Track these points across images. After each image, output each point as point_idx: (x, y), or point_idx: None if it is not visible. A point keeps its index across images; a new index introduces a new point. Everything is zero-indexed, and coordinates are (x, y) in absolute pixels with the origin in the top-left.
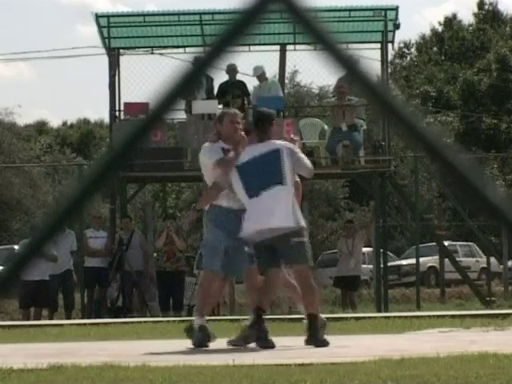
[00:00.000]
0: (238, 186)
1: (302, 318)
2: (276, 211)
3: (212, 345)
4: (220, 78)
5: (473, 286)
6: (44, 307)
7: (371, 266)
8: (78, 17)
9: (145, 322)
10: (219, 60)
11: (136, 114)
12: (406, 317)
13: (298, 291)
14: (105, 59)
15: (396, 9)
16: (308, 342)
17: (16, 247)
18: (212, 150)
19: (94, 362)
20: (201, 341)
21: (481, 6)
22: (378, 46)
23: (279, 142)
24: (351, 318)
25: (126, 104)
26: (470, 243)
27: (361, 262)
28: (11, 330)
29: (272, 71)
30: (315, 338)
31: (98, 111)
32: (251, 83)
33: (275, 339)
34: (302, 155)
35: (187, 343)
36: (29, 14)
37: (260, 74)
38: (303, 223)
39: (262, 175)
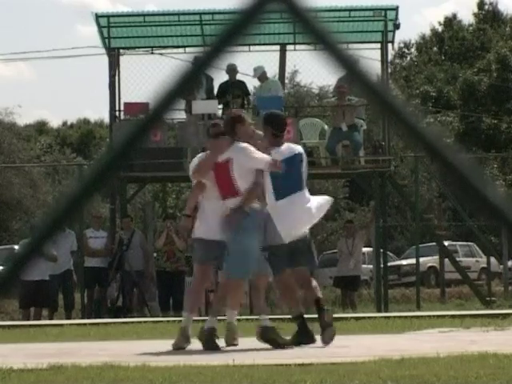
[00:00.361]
0: (268, 187)
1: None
2: (299, 215)
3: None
4: (220, 78)
5: (473, 286)
6: (44, 307)
7: (371, 266)
8: (78, 17)
9: (145, 321)
10: (219, 60)
11: (136, 114)
12: (406, 317)
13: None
14: (105, 59)
15: (396, 9)
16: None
17: (16, 247)
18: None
19: (93, 361)
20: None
21: (481, 6)
22: (378, 45)
23: (299, 146)
24: (351, 317)
25: (125, 104)
26: (470, 243)
27: (361, 262)
28: (11, 330)
29: (272, 71)
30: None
31: (98, 111)
32: (251, 83)
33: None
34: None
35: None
36: (29, 14)
37: (260, 75)
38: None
39: (289, 179)
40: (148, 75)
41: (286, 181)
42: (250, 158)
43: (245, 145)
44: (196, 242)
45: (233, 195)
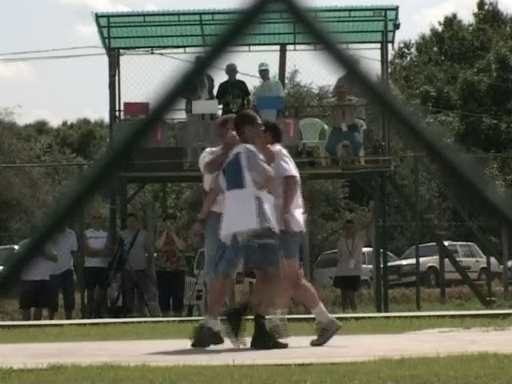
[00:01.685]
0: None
1: (303, 319)
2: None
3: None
4: (220, 78)
5: (473, 286)
6: (44, 307)
7: (371, 266)
8: (77, 17)
9: (145, 322)
10: (219, 60)
11: (136, 114)
12: (406, 317)
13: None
14: (105, 59)
15: (396, 9)
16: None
17: (16, 247)
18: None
19: (93, 361)
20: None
21: (481, 6)
22: (378, 45)
23: (242, 145)
24: (351, 317)
25: (126, 104)
26: (470, 243)
27: (361, 261)
28: (11, 330)
29: (272, 71)
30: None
31: (98, 111)
32: (251, 83)
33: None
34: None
35: (187, 343)
36: (29, 14)
37: (263, 70)
38: (269, 224)
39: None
40: (148, 75)
41: (229, 178)
42: (257, 164)
43: (253, 148)
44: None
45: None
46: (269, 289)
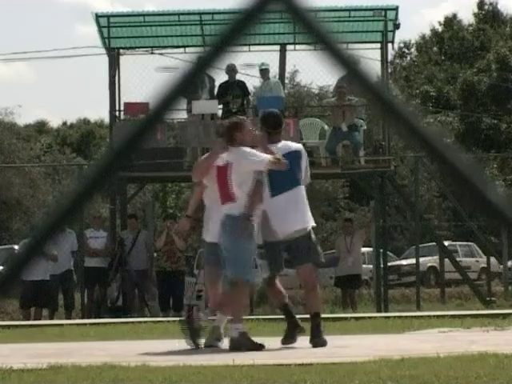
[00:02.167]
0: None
1: (302, 319)
2: (293, 212)
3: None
4: (220, 78)
5: (473, 286)
6: (44, 307)
7: (371, 266)
8: (77, 17)
9: (145, 322)
10: (219, 60)
11: (136, 114)
12: (406, 317)
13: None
14: (105, 59)
15: (396, 9)
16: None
17: (16, 247)
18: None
19: (93, 361)
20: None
21: (481, 6)
22: (378, 45)
23: (296, 144)
24: (351, 317)
25: (126, 104)
26: (470, 243)
27: (361, 260)
28: (11, 330)
29: (272, 71)
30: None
31: (98, 111)
32: (251, 83)
33: (275, 339)
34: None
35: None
36: (29, 14)
37: (264, 69)
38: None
39: (284, 176)
40: (148, 75)
41: (281, 177)
42: (249, 160)
43: (244, 149)
44: (202, 245)
45: (228, 200)
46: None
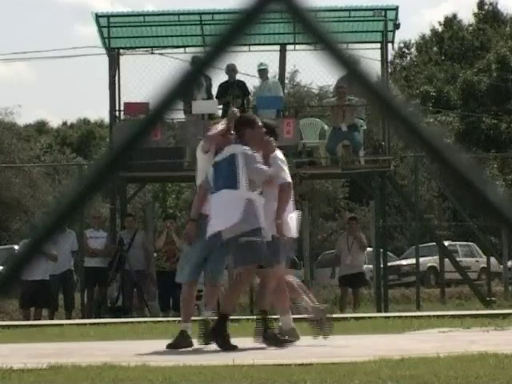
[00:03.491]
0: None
1: (302, 318)
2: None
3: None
4: (220, 78)
5: (473, 286)
6: (44, 307)
7: (371, 266)
8: (76, 17)
9: (145, 322)
10: (219, 60)
11: (136, 114)
12: (406, 317)
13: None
14: (105, 59)
15: (396, 9)
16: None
17: (16, 247)
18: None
19: (93, 361)
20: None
21: (481, 6)
22: (378, 45)
23: (239, 146)
24: (351, 317)
25: (126, 104)
26: (470, 243)
27: (363, 259)
28: (11, 330)
29: (272, 71)
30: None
31: (98, 111)
32: (251, 83)
33: None
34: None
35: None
36: (28, 14)
37: (262, 69)
38: (259, 225)
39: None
40: (148, 75)
41: (220, 177)
42: (253, 168)
43: (250, 152)
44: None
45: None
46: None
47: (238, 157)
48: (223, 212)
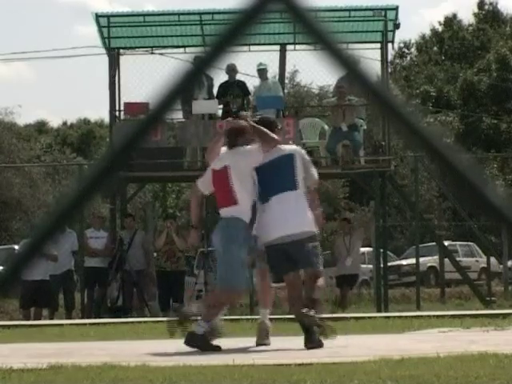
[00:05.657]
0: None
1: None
2: (290, 217)
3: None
4: (220, 78)
5: (473, 286)
6: (44, 307)
7: (371, 266)
8: (76, 16)
9: (145, 322)
10: (219, 60)
11: (136, 114)
12: (406, 317)
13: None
14: (105, 59)
15: (396, 9)
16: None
17: (16, 247)
18: None
19: (93, 361)
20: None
21: (481, 6)
22: (378, 45)
23: (293, 146)
24: (351, 317)
25: (126, 104)
26: (470, 243)
27: (359, 260)
28: (11, 330)
29: (272, 71)
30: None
31: (98, 111)
32: (251, 83)
33: (275, 339)
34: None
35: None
36: (28, 14)
37: (261, 70)
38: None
39: (278, 178)
40: (148, 75)
41: (273, 181)
42: (246, 156)
43: (240, 148)
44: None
45: (230, 204)
46: (313, 288)
47: (296, 157)
48: (294, 215)
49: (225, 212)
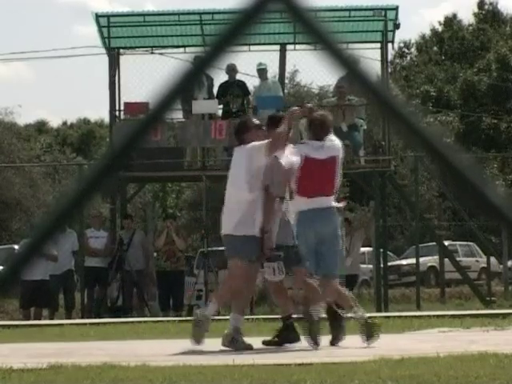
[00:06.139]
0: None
1: (301, 319)
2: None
3: (212, 345)
4: (220, 77)
5: (473, 286)
6: (44, 307)
7: (371, 266)
8: (76, 16)
9: (145, 321)
10: (219, 60)
11: (136, 114)
12: (406, 317)
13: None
14: (105, 59)
15: (396, 9)
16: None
17: (16, 247)
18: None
19: (93, 361)
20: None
21: (481, 5)
22: (378, 45)
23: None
24: (351, 317)
25: (126, 104)
26: (470, 243)
27: (359, 260)
28: (11, 330)
29: (272, 71)
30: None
31: (98, 111)
32: (251, 83)
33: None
34: None
35: (187, 343)
36: (28, 14)
37: (261, 69)
38: None
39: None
40: (148, 75)
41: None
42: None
43: (336, 141)
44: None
45: (332, 194)
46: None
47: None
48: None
49: (326, 201)
